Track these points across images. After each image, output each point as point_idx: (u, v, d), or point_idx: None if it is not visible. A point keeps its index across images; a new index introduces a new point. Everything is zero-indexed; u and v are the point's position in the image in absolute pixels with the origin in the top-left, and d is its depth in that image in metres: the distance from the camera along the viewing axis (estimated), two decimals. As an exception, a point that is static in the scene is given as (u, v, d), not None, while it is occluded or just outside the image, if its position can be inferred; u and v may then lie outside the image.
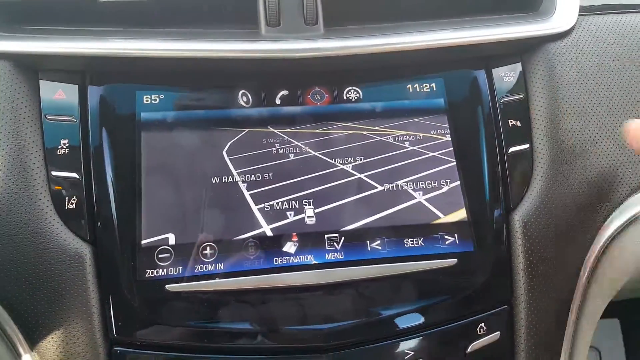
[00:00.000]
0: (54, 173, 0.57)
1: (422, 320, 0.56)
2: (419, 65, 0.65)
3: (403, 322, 0.56)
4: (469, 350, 0.56)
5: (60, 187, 0.57)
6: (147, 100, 0.61)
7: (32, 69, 0.59)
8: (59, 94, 0.59)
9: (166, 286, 0.54)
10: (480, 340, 0.57)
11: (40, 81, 0.59)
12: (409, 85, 0.65)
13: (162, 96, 0.62)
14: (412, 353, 0.55)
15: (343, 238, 0.58)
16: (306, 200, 0.59)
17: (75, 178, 0.57)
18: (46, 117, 0.58)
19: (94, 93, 0.60)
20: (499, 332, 0.57)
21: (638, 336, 1.50)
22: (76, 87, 0.60)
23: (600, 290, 0.61)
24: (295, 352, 0.54)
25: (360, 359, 0.54)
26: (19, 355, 0.55)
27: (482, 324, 0.57)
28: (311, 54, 0.60)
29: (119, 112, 0.60)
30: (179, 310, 0.54)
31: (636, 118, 0.64)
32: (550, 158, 0.62)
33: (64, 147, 0.58)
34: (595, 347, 1.54)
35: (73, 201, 0.56)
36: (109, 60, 0.59)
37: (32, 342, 0.55)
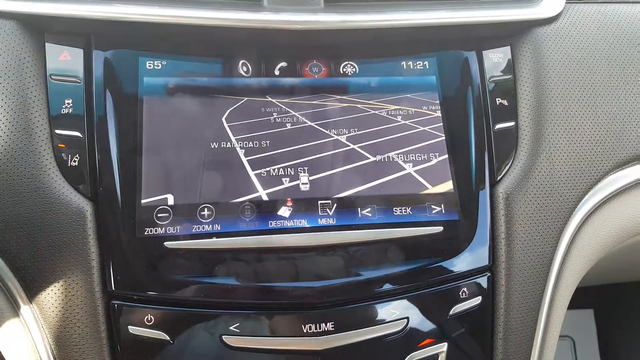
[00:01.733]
0: (57, 131, 0.58)
1: (408, 283, 0.59)
2: (413, 43, 0.68)
3: (390, 284, 0.58)
4: (451, 312, 0.59)
5: (63, 145, 0.58)
6: (149, 66, 0.63)
7: (38, 29, 0.60)
8: (64, 55, 0.61)
9: (165, 243, 0.56)
10: (462, 303, 0.60)
11: (46, 43, 0.61)
12: (403, 63, 0.68)
13: (164, 62, 0.63)
14: (398, 312, 0.58)
15: (335, 204, 0.61)
16: (301, 168, 0.62)
17: (78, 137, 0.59)
18: (51, 78, 0.60)
19: (99, 57, 0.62)
20: (480, 297, 0.61)
21: (611, 326, 1.56)
22: (81, 50, 0.61)
23: (577, 261, 0.64)
24: (288, 308, 0.56)
25: (349, 316, 0.57)
26: (18, 307, 0.57)
27: (465, 289, 0.60)
28: (311, 27, 0.62)
29: (123, 76, 0.62)
30: (176, 267, 0.56)
31: (617, 101, 0.68)
32: (534, 135, 0.65)
33: (68, 106, 0.59)
34: (569, 337, 1.60)
35: (75, 159, 0.58)
36: (113, 25, 0.61)
37: (31, 294, 0.57)
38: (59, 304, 0.56)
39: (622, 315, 1.52)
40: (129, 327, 0.55)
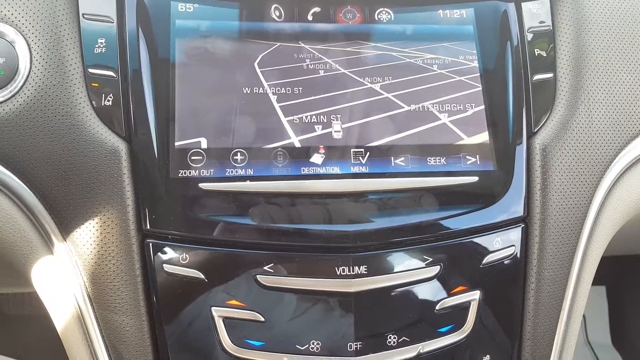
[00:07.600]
0: (90, 70, 0.58)
1: (442, 231, 0.59)
2: (451, -9, 0.66)
3: (424, 232, 0.58)
4: (484, 261, 0.59)
5: (96, 85, 0.58)
6: (181, 9, 0.62)
7: (70, -32, 0.59)
8: (96, -6, 0.60)
9: (199, 184, 0.56)
10: (495, 253, 0.59)
11: None
12: (440, 11, 0.66)
13: (196, 5, 0.62)
14: (431, 259, 0.58)
15: (368, 153, 0.60)
16: (334, 115, 0.61)
17: (111, 77, 0.58)
18: (84, 17, 0.59)
19: (131, -3, 0.61)
20: (513, 247, 0.60)
21: (623, 303, 1.55)
22: None
23: (611, 216, 0.64)
24: (322, 251, 0.56)
25: (382, 260, 0.57)
26: (52, 244, 0.58)
27: (499, 239, 0.59)
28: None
29: (155, 18, 0.61)
30: (210, 207, 0.56)
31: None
32: (572, 88, 0.64)
33: (101, 46, 0.59)
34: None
35: (109, 98, 0.58)
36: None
37: (66, 231, 0.57)
38: (94, 241, 0.56)
39: (634, 294, 1.52)
40: (164, 265, 0.55)
